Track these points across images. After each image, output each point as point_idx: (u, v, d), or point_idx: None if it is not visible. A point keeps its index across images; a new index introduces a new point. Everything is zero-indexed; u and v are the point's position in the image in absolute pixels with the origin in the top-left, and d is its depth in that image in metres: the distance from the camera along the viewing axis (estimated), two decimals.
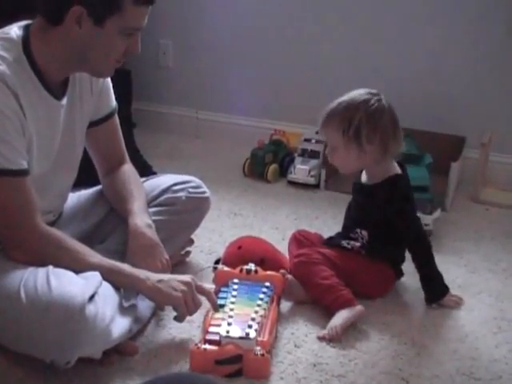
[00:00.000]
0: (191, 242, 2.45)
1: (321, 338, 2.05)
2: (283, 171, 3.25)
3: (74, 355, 1.73)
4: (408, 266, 2.29)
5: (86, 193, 2.28)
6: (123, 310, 1.87)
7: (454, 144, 3.13)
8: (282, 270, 2.20)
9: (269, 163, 3.23)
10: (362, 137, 2.15)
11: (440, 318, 2.20)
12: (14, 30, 1.84)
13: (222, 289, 2.14)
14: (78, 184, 2.19)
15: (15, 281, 1.76)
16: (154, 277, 1.91)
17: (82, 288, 1.73)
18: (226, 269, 2.22)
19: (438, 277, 2.25)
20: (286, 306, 2.21)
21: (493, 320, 2.20)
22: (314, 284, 2.16)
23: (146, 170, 2.78)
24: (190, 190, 2.26)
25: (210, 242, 2.60)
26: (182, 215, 2.23)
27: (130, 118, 3.33)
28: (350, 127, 2.15)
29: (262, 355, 1.86)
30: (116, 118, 2.18)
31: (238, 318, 1.96)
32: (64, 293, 1.70)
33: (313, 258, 2.20)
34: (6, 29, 1.85)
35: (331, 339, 2.04)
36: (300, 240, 2.38)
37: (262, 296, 2.08)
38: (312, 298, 2.20)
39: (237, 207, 2.93)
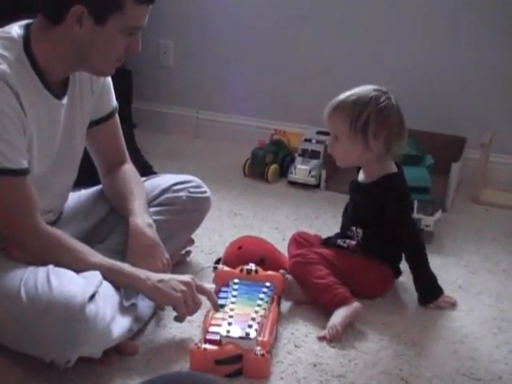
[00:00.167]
0: (191, 241, 2.45)
1: (321, 339, 2.05)
2: (283, 171, 3.25)
3: (74, 355, 1.73)
4: (408, 266, 2.29)
5: (86, 192, 2.28)
6: (123, 310, 1.87)
7: (455, 144, 3.13)
8: (282, 270, 2.20)
9: (269, 163, 3.23)
10: (369, 132, 2.15)
11: (440, 318, 2.20)
12: (15, 29, 1.84)
13: (223, 289, 2.14)
14: (79, 184, 2.19)
15: (15, 280, 1.76)
16: (155, 276, 1.91)
17: (82, 287, 1.73)
18: (226, 269, 2.22)
19: (432, 278, 2.25)
20: (286, 306, 2.21)
21: (493, 320, 2.20)
22: (310, 284, 2.16)
23: (146, 170, 2.78)
24: (191, 189, 2.26)
25: (210, 241, 2.60)
26: (182, 215, 2.23)
27: (130, 118, 3.33)
28: (359, 120, 2.15)
29: (262, 355, 1.86)
30: (116, 118, 2.18)
31: (238, 318, 1.96)
32: (64, 292, 1.70)
33: (309, 258, 2.20)
34: (7, 28, 1.86)
35: (331, 339, 2.04)
36: (299, 241, 2.38)
37: (262, 296, 2.08)
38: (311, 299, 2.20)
39: (237, 207, 2.93)
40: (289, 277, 2.20)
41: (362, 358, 1.98)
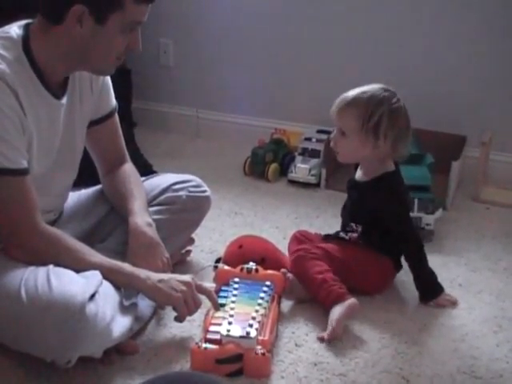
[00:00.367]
0: (192, 241, 2.45)
1: (321, 339, 2.04)
2: (284, 170, 3.25)
3: (75, 354, 1.73)
4: (407, 266, 2.29)
5: (86, 192, 2.28)
6: (124, 309, 1.87)
7: (455, 143, 3.13)
8: (283, 270, 2.20)
9: (269, 162, 3.23)
10: (380, 132, 2.16)
11: (441, 316, 2.20)
12: (14, 29, 1.84)
13: (223, 288, 2.14)
14: (79, 183, 2.19)
15: (16, 280, 1.76)
16: (155, 276, 1.91)
17: (82, 287, 1.73)
18: (226, 268, 2.22)
19: (432, 276, 2.25)
20: (286, 305, 2.21)
21: (493, 319, 2.20)
22: (308, 279, 2.16)
23: (146, 169, 2.78)
24: (191, 189, 2.26)
25: (210, 241, 2.60)
26: (182, 214, 2.23)
27: (130, 117, 3.33)
28: (371, 119, 2.15)
29: (263, 354, 1.86)
30: (116, 117, 2.18)
31: (238, 317, 1.96)
32: (64, 292, 1.70)
33: (310, 253, 2.20)
34: (6, 28, 1.85)
35: (330, 339, 2.03)
36: (300, 239, 2.38)
37: (262, 295, 2.08)
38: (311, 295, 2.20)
39: (237, 206, 2.93)
40: (290, 276, 2.20)
41: (362, 357, 1.98)
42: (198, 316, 2.02)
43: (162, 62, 3.74)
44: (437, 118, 3.20)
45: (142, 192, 2.15)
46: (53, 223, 2.05)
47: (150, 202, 2.19)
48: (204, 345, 1.87)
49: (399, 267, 2.32)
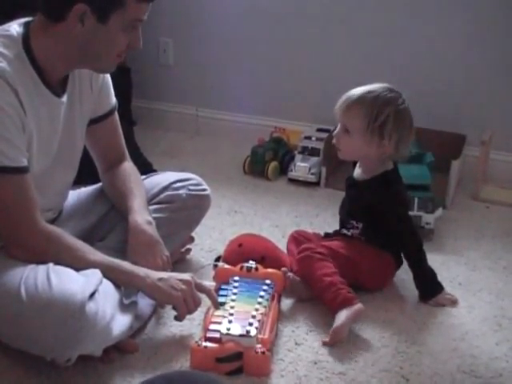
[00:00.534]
0: (191, 239, 2.45)
1: (325, 343, 2.03)
2: (283, 169, 3.24)
3: (75, 353, 1.73)
4: (407, 264, 2.29)
5: (86, 190, 2.28)
6: (124, 308, 1.87)
7: (455, 142, 3.13)
8: (284, 269, 2.20)
9: (269, 161, 3.22)
10: (385, 132, 2.16)
11: (440, 315, 2.20)
12: (14, 27, 1.84)
13: (223, 286, 2.14)
14: (79, 182, 2.19)
15: (15, 278, 1.76)
16: (154, 275, 1.91)
17: (82, 286, 1.73)
18: (226, 266, 2.22)
19: (431, 274, 2.26)
20: (286, 303, 2.21)
21: (493, 318, 2.20)
22: (315, 280, 2.16)
23: (146, 168, 2.77)
24: (191, 187, 2.25)
25: (210, 239, 2.60)
26: (182, 213, 2.23)
27: (130, 116, 3.32)
28: (378, 119, 2.15)
29: (263, 353, 1.86)
30: (116, 116, 2.18)
31: (238, 316, 1.96)
32: (64, 290, 1.70)
33: (317, 253, 2.19)
34: (6, 26, 1.85)
35: (334, 343, 2.02)
36: (298, 239, 2.38)
37: (262, 294, 2.07)
38: (313, 296, 2.20)
39: (237, 205, 2.93)
40: (290, 275, 2.20)
41: (362, 356, 1.98)
42: (198, 315, 2.02)
43: (161, 61, 3.73)
44: (437, 116, 3.20)
45: (142, 190, 2.15)
46: (52, 222, 2.05)
47: (150, 201, 2.19)
48: (204, 343, 1.87)
49: (400, 263, 2.32)
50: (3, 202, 1.79)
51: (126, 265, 1.91)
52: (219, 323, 1.93)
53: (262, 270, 2.18)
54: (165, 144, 3.55)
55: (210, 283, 2.11)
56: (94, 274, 1.80)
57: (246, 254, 2.26)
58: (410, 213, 2.37)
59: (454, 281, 2.39)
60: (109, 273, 1.84)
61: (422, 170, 2.75)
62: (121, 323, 1.85)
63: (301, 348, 2.01)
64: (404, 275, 2.34)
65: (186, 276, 1.96)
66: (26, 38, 1.82)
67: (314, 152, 3.20)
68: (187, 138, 3.65)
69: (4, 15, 1.93)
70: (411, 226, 2.29)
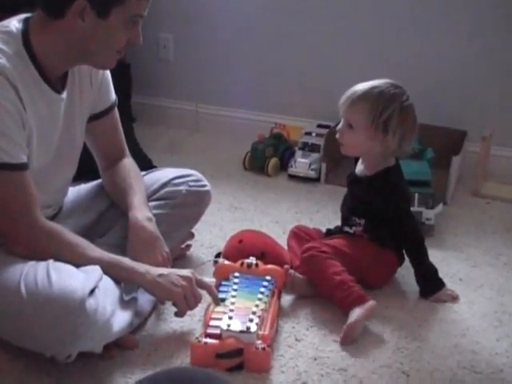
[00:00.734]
0: (192, 235, 2.45)
1: (341, 342, 2.02)
2: (284, 165, 3.24)
3: (75, 349, 1.73)
4: (408, 260, 2.29)
5: (86, 187, 2.28)
6: (124, 304, 1.87)
7: (455, 138, 3.12)
8: (286, 266, 2.20)
9: (269, 157, 3.22)
10: (390, 128, 2.15)
11: (441, 311, 2.20)
12: (14, 23, 1.83)
13: (223, 283, 2.14)
14: (78, 178, 2.18)
15: (15, 275, 1.75)
16: (154, 271, 1.91)
17: (82, 282, 1.73)
18: (226, 262, 2.22)
19: (432, 271, 2.26)
20: (286, 299, 2.21)
21: (494, 314, 2.20)
22: (325, 280, 2.15)
23: (145, 164, 2.77)
24: (191, 183, 2.25)
25: (210, 235, 2.59)
26: (182, 209, 2.22)
27: (129, 112, 3.32)
28: (382, 115, 2.15)
29: (263, 349, 1.86)
30: (116, 112, 2.17)
31: (238, 312, 1.96)
32: (64, 287, 1.70)
33: (323, 252, 2.18)
34: (6, 22, 1.85)
35: (348, 340, 2.02)
36: (299, 235, 2.38)
37: (262, 290, 2.07)
38: (318, 293, 2.20)
39: (237, 201, 2.93)
40: (292, 272, 2.20)
41: (362, 352, 1.98)
42: (198, 311, 2.02)
43: (161, 57, 3.73)
44: (437, 112, 3.20)
45: (142, 186, 2.15)
46: (52, 218, 2.04)
47: (150, 197, 2.19)
48: (204, 339, 1.87)
49: (402, 260, 2.32)
50: (3, 199, 1.79)
51: (126, 261, 1.91)
52: (219, 319, 1.93)
53: (262, 266, 2.18)
54: (165, 140, 3.55)
55: (210, 279, 2.11)
56: (94, 271, 1.80)
57: (247, 250, 2.26)
58: (411, 209, 2.36)
59: (455, 277, 2.38)
60: (109, 269, 1.84)
61: (423, 166, 2.75)
62: (121, 319, 1.85)
63: (301, 344, 2.01)
64: (404, 271, 2.33)
65: (187, 272, 1.96)
66: (25, 34, 1.81)
67: (314, 148, 3.19)
68: (187, 134, 3.64)
69: (4, 11, 1.92)
70: (413, 223, 2.28)
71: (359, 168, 2.32)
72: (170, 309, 2.05)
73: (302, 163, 3.15)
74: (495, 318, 2.18)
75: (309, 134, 3.25)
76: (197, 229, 2.43)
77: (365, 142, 2.19)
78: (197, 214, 2.32)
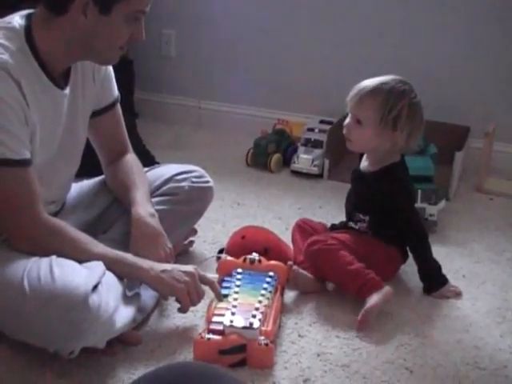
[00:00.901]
0: (194, 231, 2.45)
1: (357, 323, 2.05)
2: (286, 161, 3.24)
3: (78, 345, 1.73)
4: (412, 257, 2.29)
5: (88, 183, 2.28)
6: (127, 300, 1.87)
7: (458, 134, 3.12)
8: (290, 262, 2.20)
9: (272, 153, 3.22)
10: (398, 124, 2.15)
11: (444, 307, 2.20)
12: (16, 19, 1.83)
13: (226, 279, 2.14)
14: (81, 174, 2.18)
15: (18, 271, 1.75)
16: (158, 266, 1.91)
17: (85, 278, 1.73)
18: (229, 259, 2.22)
19: (435, 267, 2.26)
20: (289, 295, 2.21)
21: (497, 310, 2.20)
22: (337, 270, 2.15)
23: (148, 160, 2.77)
24: (193, 179, 2.25)
25: (213, 231, 2.59)
26: (185, 205, 2.22)
27: (132, 108, 3.32)
28: (392, 111, 2.15)
29: (266, 345, 1.85)
30: (118, 108, 2.17)
31: (241, 308, 1.96)
32: (67, 283, 1.70)
33: (330, 244, 2.18)
34: (8, 18, 1.84)
35: (364, 323, 2.04)
36: (304, 228, 2.37)
37: (265, 286, 2.07)
38: (318, 289, 2.20)
39: (240, 197, 2.92)
40: (296, 268, 2.19)
41: (365, 348, 1.98)
42: (201, 307, 2.02)
43: (164, 53, 3.73)
44: (440, 108, 3.19)
45: (145, 182, 2.15)
46: (56, 214, 2.04)
47: (153, 193, 2.19)
48: (207, 335, 1.87)
49: (406, 257, 2.32)
50: (6, 195, 1.79)
51: (129, 257, 1.91)
52: (222, 315, 1.93)
53: (265, 262, 2.18)
54: (167, 136, 3.55)
55: (213, 275, 2.11)
56: (97, 266, 1.80)
57: (249, 246, 2.26)
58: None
59: (458, 273, 2.38)
60: (112, 265, 1.84)
61: (426, 162, 2.75)
62: (124, 315, 1.84)
63: (304, 340, 2.01)
64: (408, 268, 2.33)
65: (190, 268, 1.96)
66: (28, 30, 1.81)
67: (316, 144, 3.19)
68: (190, 130, 3.65)
69: (6, 7, 1.92)
70: (418, 219, 2.28)
71: (364, 164, 2.31)
72: (172, 305, 2.05)
73: (304, 159, 3.15)
74: (498, 314, 2.17)
75: (311, 130, 3.25)
76: (199, 225, 2.43)
77: (373, 138, 2.19)
78: (199, 210, 2.32)
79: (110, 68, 2.09)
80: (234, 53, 3.59)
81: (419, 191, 2.59)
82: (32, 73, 1.81)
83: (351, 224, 2.31)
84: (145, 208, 2.04)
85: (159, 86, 3.78)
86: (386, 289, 2.11)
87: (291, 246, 2.37)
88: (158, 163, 2.63)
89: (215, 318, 1.93)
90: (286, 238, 2.42)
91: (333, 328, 2.06)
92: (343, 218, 2.39)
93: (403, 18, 3.25)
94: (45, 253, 1.80)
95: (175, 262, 2.03)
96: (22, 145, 1.77)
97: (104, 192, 2.23)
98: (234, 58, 3.60)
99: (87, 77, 2.00)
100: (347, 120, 2.24)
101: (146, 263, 1.90)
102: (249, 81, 3.61)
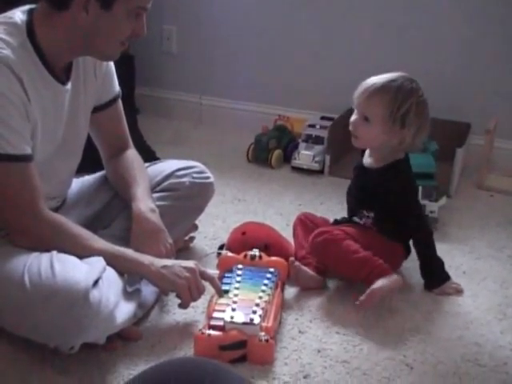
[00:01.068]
0: (195, 227, 2.45)
1: (359, 302, 2.06)
2: (287, 157, 3.24)
3: (78, 341, 1.73)
4: (414, 253, 2.29)
5: (89, 178, 2.28)
6: (127, 295, 1.87)
7: (459, 130, 3.12)
8: (291, 258, 2.20)
9: (273, 149, 3.22)
10: (406, 122, 2.15)
11: (445, 304, 2.20)
12: (18, 14, 1.83)
13: (226, 274, 2.14)
14: (82, 169, 2.18)
15: (19, 266, 1.76)
16: (158, 262, 1.91)
17: (85, 273, 1.73)
18: (230, 254, 2.22)
19: (438, 263, 2.26)
20: (290, 291, 2.21)
21: (497, 306, 2.20)
22: (345, 259, 2.14)
23: (149, 156, 2.77)
24: (194, 175, 2.25)
25: (213, 227, 2.59)
26: (185, 200, 2.22)
27: (133, 104, 3.32)
28: (400, 109, 2.14)
29: (267, 341, 1.85)
30: (119, 103, 2.17)
31: (242, 304, 1.95)
32: (68, 278, 1.70)
33: (336, 234, 2.18)
34: (9, 13, 1.84)
35: (367, 303, 2.05)
36: (306, 223, 2.36)
37: (266, 282, 2.07)
38: (319, 285, 2.21)
39: (241, 193, 2.92)
40: (297, 264, 2.19)
41: (366, 344, 1.98)
42: (202, 302, 2.02)
43: (165, 49, 3.73)
44: (441, 105, 3.17)
45: (146, 178, 2.15)
46: (56, 210, 2.04)
47: (154, 188, 2.19)
48: (207, 331, 1.87)
49: (409, 252, 2.32)
50: (7, 190, 1.79)
51: (129, 252, 1.91)
52: (223, 311, 1.93)
53: (265, 258, 2.18)
54: (168, 132, 3.55)
55: (213, 271, 2.11)
56: (98, 262, 1.80)
57: (250, 242, 2.26)
58: None
59: (459, 269, 2.38)
60: (112, 260, 1.84)
61: (427, 159, 2.75)
62: (124, 311, 1.85)
63: (304, 336, 2.01)
64: (409, 264, 2.33)
65: (190, 263, 1.96)
66: (29, 25, 1.81)
67: (317, 140, 3.19)
68: (191, 126, 3.64)
69: (7, 2, 1.92)
70: (422, 215, 2.28)
71: (367, 160, 2.31)
72: (173, 300, 2.05)
73: (305, 155, 3.15)
74: (499, 311, 2.17)
75: (312, 126, 3.25)
76: (200, 221, 2.43)
77: (380, 135, 2.18)
78: (200, 206, 2.32)
79: (112, 64, 2.09)
80: (235, 48, 3.59)
81: (420, 188, 2.58)
82: (33, 68, 1.80)
83: (356, 219, 2.31)
84: (145, 203, 2.04)
85: (160, 82, 3.78)
86: (395, 276, 2.12)
87: (292, 241, 2.37)
88: (158, 159, 2.63)
89: (216, 314, 1.93)
90: (287, 234, 2.42)
91: (333, 324, 2.06)
92: (344, 214, 2.39)
93: (403, 15, 3.24)
94: (45, 248, 1.80)
95: (176, 258, 2.04)
96: (23, 140, 1.77)
97: (105, 187, 2.23)
98: (235, 54, 3.60)
99: (89, 72, 2.00)
100: (354, 117, 2.23)
101: (146, 259, 1.90)
102: (250, 77, 3.61)
